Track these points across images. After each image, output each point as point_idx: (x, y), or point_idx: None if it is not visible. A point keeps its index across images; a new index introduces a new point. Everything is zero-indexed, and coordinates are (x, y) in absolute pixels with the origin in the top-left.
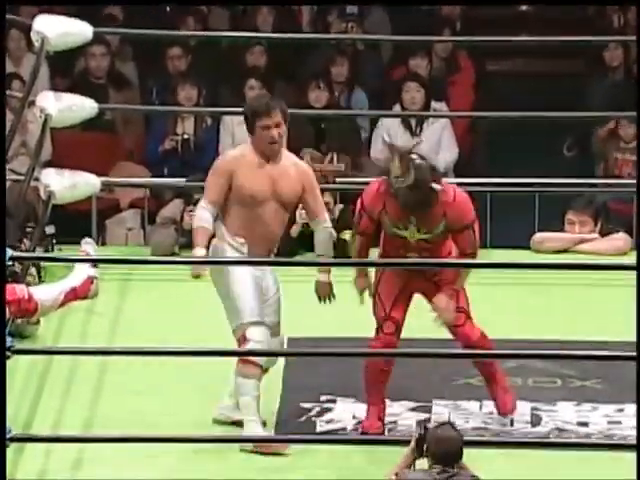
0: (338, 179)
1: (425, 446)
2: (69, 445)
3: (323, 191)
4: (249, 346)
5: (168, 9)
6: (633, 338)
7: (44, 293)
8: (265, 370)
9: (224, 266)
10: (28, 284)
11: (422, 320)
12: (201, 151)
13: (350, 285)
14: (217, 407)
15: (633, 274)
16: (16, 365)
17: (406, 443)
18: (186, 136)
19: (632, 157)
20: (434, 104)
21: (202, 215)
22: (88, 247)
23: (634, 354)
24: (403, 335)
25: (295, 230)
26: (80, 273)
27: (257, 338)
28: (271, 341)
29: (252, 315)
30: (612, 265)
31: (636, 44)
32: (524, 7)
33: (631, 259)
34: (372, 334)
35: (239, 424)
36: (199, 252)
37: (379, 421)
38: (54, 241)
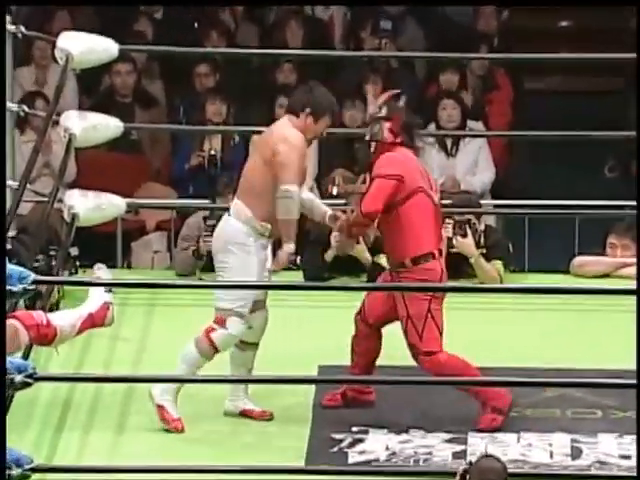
0: None
1: (468, 478)
2: (93, 476)
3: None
4: (221, 332)
5: (196, 25)
6: None
7: (62, 319)
8: (255, 345)
9: (241, 242)
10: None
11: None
12: (228, 169)
13: None
14: (228, 399)
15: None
16: (39, 392)
17: (440, 475)
18: (213, 152)
19: None
20: (470, 123)
21: (291, 206)
22: (101, 272)
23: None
24: None
25: (330, 255)
26: (96, 299)
27: (233, 332)
28: (256, 315)
29: (243, 307)
30: (612, 290)
31: (636, 44)
32: (564, 22)
33: None
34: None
35: (247, 414)
36: (291, 247)
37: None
38: (77, 263)
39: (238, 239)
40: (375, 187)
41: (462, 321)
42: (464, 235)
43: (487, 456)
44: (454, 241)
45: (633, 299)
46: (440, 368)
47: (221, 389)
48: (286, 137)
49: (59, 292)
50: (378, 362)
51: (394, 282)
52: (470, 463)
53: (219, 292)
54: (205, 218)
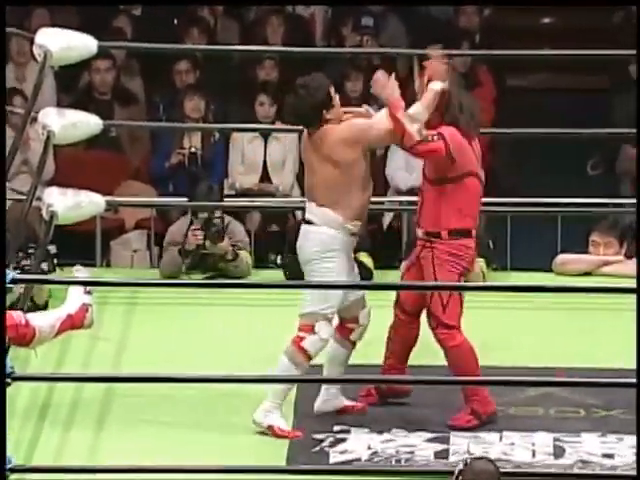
0: None
1: (461, 479)
2: (72, 476)
3: None
4: (311, 339)
5: (175, 22)
6: None
7: (41, 320)
8: (353, 344)
9: (331, 247)
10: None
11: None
12: (209, 167)
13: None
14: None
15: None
16: (18, 392)
17: (422, 474)
18: (193, 150)
19: None
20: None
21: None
22: (79, 274)
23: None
24: (422, 362)
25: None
26: (75, 300)
27: (323, 335)
28: (362, 312)
29: (332, 310)
30: (613, 289)
31: (636, 45)
32: (547, 20)
33: None
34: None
35: (347, 411)
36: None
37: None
38: (55, 261)
39: (333, 246)
40: (434, 143)
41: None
42: None
43: (481, 458)
44: None
45: (616, 297)
46: (454, 345)
47: (203, 389)
48: (340, 134)
49: (49, 293)
50: (363, 361)
51: (424, 252)
52: (465, 464)
53: (306, 297)
54: (190, 222)
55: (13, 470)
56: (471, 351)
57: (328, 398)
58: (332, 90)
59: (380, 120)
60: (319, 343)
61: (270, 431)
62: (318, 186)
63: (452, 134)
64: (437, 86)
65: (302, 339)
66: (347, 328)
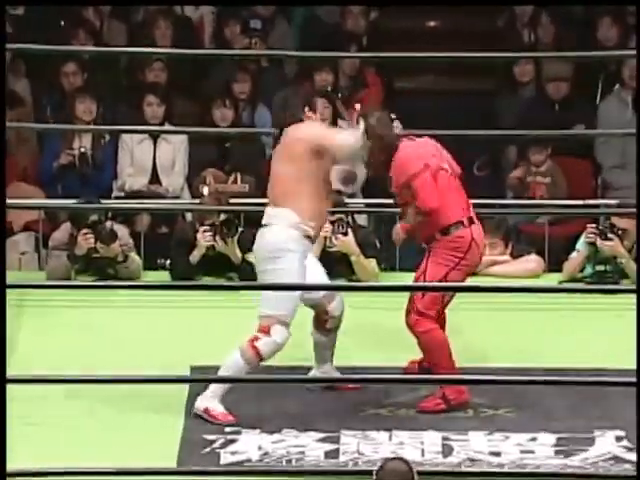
0: (242, 200)
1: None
2: None
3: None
4: (265, 340)
5: (62, 23)
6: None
7: None
8: (330, 330)
9: (285, 247)
10: None
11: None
12: (99, 169)
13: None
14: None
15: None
16: None
17: (312, 475)
18: (83, 150)
19: (544, 180)
20: (341, 122)
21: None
22: None
23: (628, 380)
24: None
25: (195, 255)
26: None
27: (279, 340)
28: (332, 305)
29: (287, 314)
30: (613, 289)
31: (636, 45)
32: (432, 23)
33: (544, 282)
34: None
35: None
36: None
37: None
38: None
39: (288, 245)
40: (420, 188)
41: None
42: (345, 234)
43: (395, 459)
44: (334, 240)
45: (508, 297)
46: (422, 331)
47: (93, 390)
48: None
49: None
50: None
51: (429, 255)
52: (381, 465)
53: (262, 300)
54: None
55: None
56: (442, 340)
57: (325, 370)
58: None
59: (347, 135)
60: (272, 345)
61: (205, 414)
62: (274, 185)
63: (413, 155)
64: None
65: (257, 339)
66: (322, 319)
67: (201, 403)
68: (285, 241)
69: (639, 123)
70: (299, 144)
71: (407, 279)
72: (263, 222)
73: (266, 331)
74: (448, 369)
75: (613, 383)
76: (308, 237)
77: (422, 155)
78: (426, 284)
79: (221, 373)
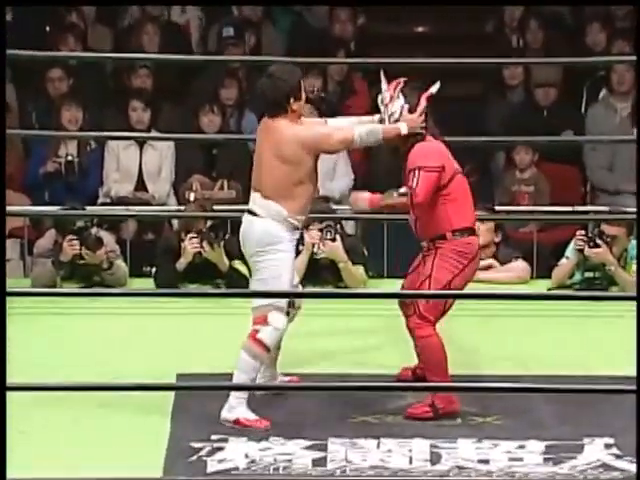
0: (229, 207)
1: None
2: None
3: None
4: (266, 329)
5: (48, 29)
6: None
7: None
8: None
9: (276, 239)
10: None
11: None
12: (85, 175)
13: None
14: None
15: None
16: None
17: None
18: (70, 158)
19: (528, 189)
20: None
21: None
22: None
23: (626, 388)
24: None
25: (182, 263)
26: None
27: (277, 325)
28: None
29: (282, 301)
30: (614, 297)
31: (635, 46)
32: (420, 29)
33: (532, 288)
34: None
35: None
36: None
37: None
38: None
39: (278, 238)
40: (422, 180)
41: None
42: (333, 239)
43: None
44: (321, 246)
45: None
46: (422, 336)
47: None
48: (299, 135)
49: None
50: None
51: (429, 252)
52: None
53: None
54: (61, 234)
55: None
56: (440, 347)
57: (268, 377)
58: (302, 82)
59: (338, 128)
60: (274, 333)
61: (238, 425)
62: (265, 178)
63: (435, 152)
64: (403, 130)
65: (257, 331)
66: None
67: (230, 414)
68: (275, 234)
69: (639, 125)
70: (298, 148)
71: (395, 286)
72: (250, 208)
73: (263, 321)
74: (441, 377)
75: (613, 391)
76: (296, 229)
77: (444, 154)
78: (411, 292)
79: (236, 379)
